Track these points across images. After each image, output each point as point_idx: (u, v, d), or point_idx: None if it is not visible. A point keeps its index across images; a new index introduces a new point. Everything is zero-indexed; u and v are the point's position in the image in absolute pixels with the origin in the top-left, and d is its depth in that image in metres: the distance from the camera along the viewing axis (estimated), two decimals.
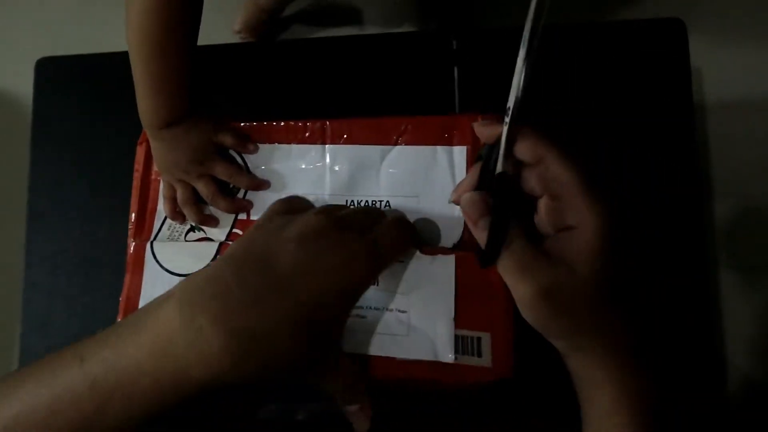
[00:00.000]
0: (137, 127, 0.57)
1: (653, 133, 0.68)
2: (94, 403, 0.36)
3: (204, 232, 0.53)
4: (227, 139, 0.55)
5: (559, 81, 0.69)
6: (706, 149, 1.32)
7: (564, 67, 0.69)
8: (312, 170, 0.52)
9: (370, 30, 1.52)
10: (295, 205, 0.47)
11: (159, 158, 0.56)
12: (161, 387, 0.37)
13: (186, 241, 0.53)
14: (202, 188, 0.55)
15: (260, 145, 0.55)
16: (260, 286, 0.38)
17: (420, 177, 0.50)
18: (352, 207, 0.47)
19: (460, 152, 0.51)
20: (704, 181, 1.32)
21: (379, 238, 0.42)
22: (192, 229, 0.54)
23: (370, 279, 0.43)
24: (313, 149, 0.53)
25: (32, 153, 0.74)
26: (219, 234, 0.53)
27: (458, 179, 0.50)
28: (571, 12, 1.39)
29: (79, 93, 0.75)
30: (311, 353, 0.39)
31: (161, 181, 0.57)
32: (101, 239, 0.69)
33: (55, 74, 0.76)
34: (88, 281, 0.69)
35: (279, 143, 0.54)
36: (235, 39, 0.73)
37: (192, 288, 0.38)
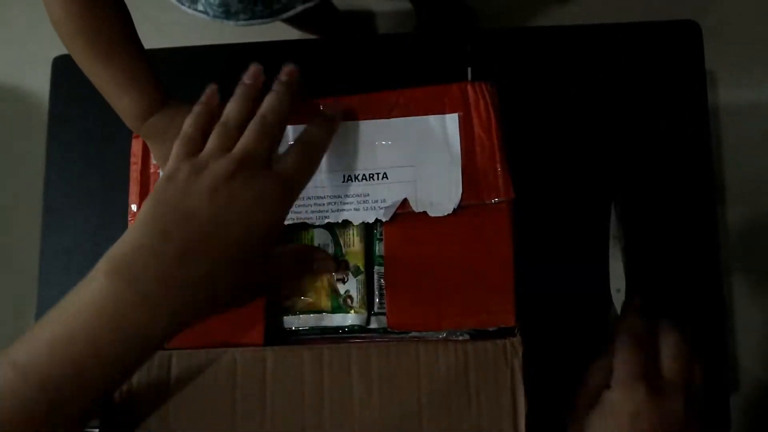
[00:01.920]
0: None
1: (667, 136, 0.68)
2: (46, 402, 0.37)
3: None
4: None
5: (572, 83, 0.69)
6: (720, 152, 1.32)
7: (578, 69, 0.69)
8: None
9: (383, 31, 1.52)
10: (194, 141, 0.45)
11: (154, 152, 0.56)
12: (122, 360, 0.39)
13: None
14: None
15: None
16: (186, 239, 0.40)
17: (415, 146, 0.51)
18: (249, 129, 0.44)
19: (452, 119, 0.51)
20: (717, 184, 1.31)
21: (287, 169, 0.43)
22: None
23: (286, 208, 0.44)
24: None
25: (48, 149, 0.74)
26: None
27: (452, 146, 0.50)
28: (584, 13, 1.39)
29: (94, 90, 0.75)
30: (250, 283, 0.44)
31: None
32: (116, 235, 0.69)
33: (71, 72, 0.76)
34: None
35: None
36: (237, 39, 0.74)
37: (120, 261, 0.40)
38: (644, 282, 0.65)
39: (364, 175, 0.51)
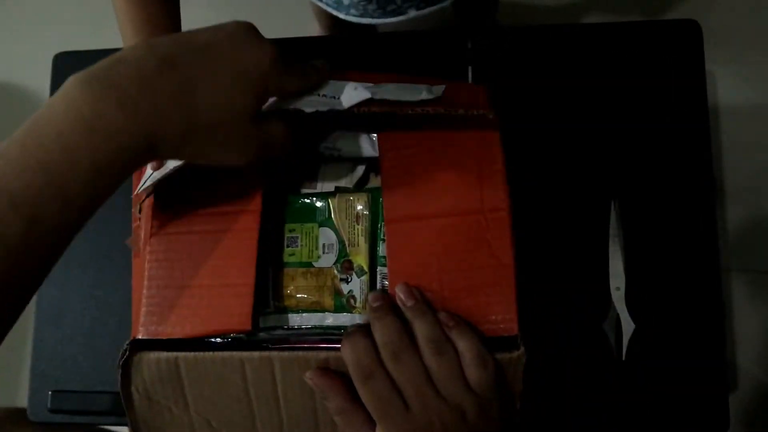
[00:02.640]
0: None
1: (667, 136, 0.68)
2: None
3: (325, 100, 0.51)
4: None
5: (572, 82, 0.69)
6: (719, 152, 1.32)
7: (577, 69, 0.69)
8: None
9: (386, 28, 1.52)
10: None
11: None
12: (99, 170, 0.36)
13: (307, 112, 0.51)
14: None
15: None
16: (170, 49, 0.39)
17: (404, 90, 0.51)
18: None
19: (440, 87, 0.51)
20: (717, 185, 1.31)
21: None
22: (319, 96, 0.52)
23: (283, 67, 0.44)
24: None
25: None
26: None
27: (437, 88, 0.50)
28: (585, 13, 1.39)
29: None
30: (238, 122, 0.42)
31: None
32: (114, 233, 0.70)
33: (72, 69, 0.76)
34: (101, 275, 0.70)
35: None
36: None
37: (97, 69, 0.38)
38: (643, 281, 0.65)
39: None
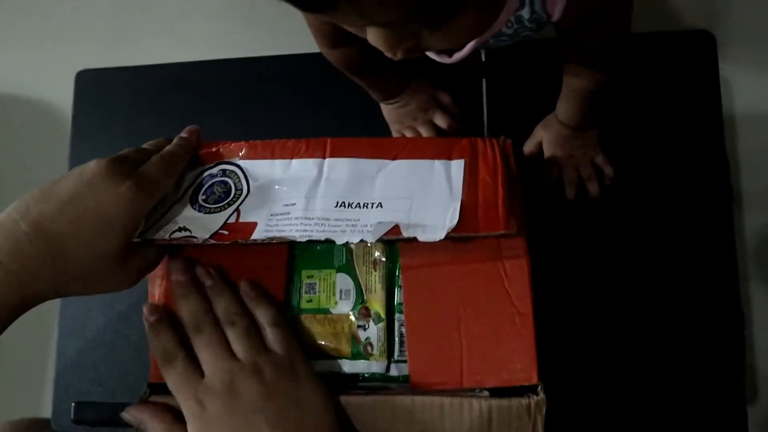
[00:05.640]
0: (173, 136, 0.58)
1: (683, 145, 0.68)
2: None
3: (190, 231, 0.50)
4: (444, 98, 0.72)
5: None
6: (736, 160, 1.31)
7: None
8: (308, 178, 0.52)
9: None
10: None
11: (388, 114, 0.73)
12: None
13: (170, 239, 0.50)
14: (426, 131, 0.71)
15: (259, 161, 0.54)
16: (41, 214, 0.44)
17: (415, 183, 0.50)
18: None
19: (457, 165, 0.51)
20: (734, 192, 1.30)
21: (147, 170, 0.47)
22: (179, 229, 0.51)
23: (143, 202, 0.47)
24: (311, 161, 0.53)
25: (71, 162, 0.76)
26: (204, 233, 0.50)
27: (455, 187, 0.49)
28: None
29: (117, 104, 0.77)
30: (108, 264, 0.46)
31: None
32: None
33: (94, 85, 0.79)
34: None
35: (281, 158, 0.54)
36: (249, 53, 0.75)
37: None
38: (661, 290, 0.65)
39: (358, 203, 0.50)
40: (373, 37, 0.39)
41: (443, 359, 0.48)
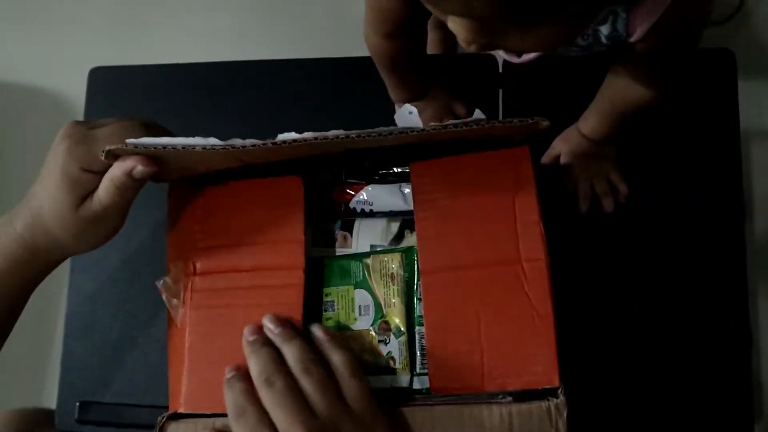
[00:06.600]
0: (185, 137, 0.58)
1: (700, 161, 0.68)
2: None
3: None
4: (459, 109, 0.72)
5: None
6: (750, 177, 1.31)
7: None
8: None
9: None
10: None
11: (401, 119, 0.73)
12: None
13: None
14: None
15: None
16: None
17: None
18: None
19: None
20: (747, 209, 1.30)
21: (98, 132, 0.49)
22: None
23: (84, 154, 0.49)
24: None
25: None
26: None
27: None
28: None
29: (129, 101, 0.77)
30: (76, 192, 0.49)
31: None
32: (145, 247, 0.71)
33: (107, 83, 0.78)
34: (131, 289, 0.71)
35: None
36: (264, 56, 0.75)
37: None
38: (671, 301, 0.65)
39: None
40: (456, 24, 0.38)
41: (464, 363, 0.48)
